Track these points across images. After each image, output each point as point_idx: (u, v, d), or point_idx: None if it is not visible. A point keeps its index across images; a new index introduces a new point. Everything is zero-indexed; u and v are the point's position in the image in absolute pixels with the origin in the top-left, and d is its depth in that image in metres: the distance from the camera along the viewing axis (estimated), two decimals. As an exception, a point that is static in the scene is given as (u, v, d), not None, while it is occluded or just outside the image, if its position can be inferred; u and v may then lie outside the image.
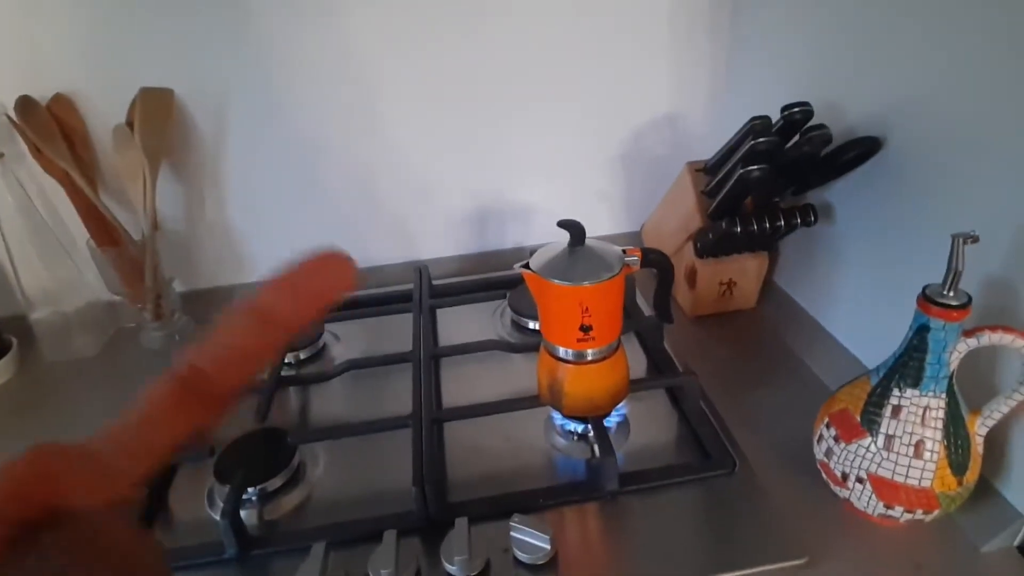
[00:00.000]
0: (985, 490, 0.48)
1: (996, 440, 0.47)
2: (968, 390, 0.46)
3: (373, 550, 0.47)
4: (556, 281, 0.48)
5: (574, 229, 0.50)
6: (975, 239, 0.41)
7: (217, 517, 0.53)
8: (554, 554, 0.47)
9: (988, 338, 0.43)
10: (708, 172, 0.69)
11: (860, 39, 0.58)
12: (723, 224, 0.62)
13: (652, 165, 0.87)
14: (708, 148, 0.75)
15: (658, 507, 0.51)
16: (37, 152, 0.72)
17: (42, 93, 0.71)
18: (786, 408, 0.61)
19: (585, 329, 0.50)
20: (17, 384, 0.75)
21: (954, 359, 0.44)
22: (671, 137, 0.85)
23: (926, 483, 0.45)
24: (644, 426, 0.60)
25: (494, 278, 0.82)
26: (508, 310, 0.76)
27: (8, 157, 0.70)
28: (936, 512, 0.46)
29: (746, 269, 0.71)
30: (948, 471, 0.45)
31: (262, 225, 0.84)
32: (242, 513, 0.51)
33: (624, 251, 0.50)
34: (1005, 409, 0.45)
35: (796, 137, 0.58)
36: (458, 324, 0.76)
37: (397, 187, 0.84)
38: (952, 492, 0.45)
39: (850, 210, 0.62)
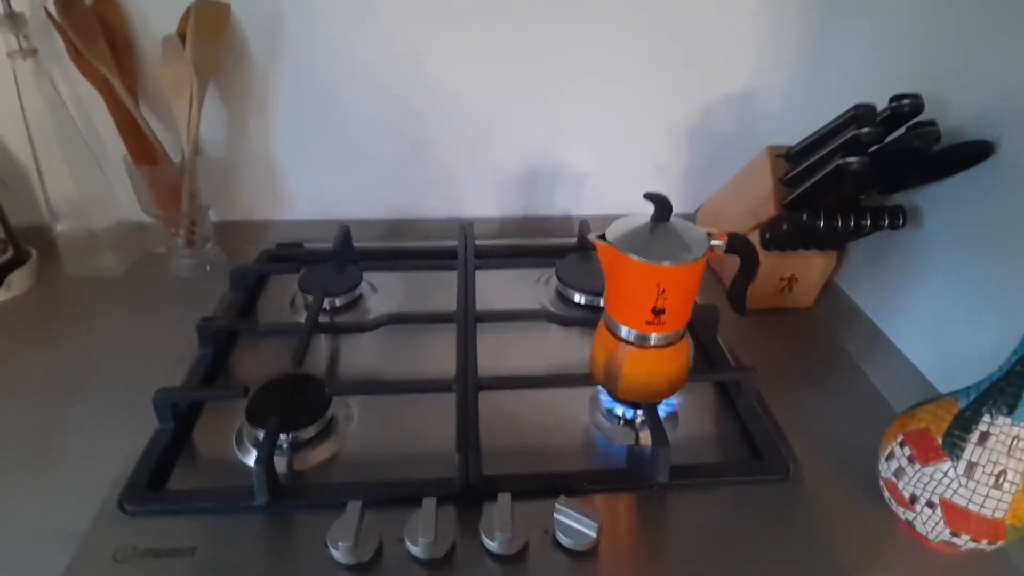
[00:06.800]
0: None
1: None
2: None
3: (407, 514, 0.44)
4: (634, 257, 0.45)
5: (660, 203, 0.46)
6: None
7: (245, 460, 0.51)
8: (597, 542, 0.45)
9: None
10: (790, 159, 0.65)
11: (977, 28, 0.53)
12: (803, 216, 0.58)
13: (718, 144, 0.82)
14: (783, 134, 0.70)
15: (705, 506, 0.49)
16: (76, 54, 0.67)
17: (87, -8, 0.66)
18: (841, 416, 0.58)
19: (657, 312, 0.47)
20: (34, 297, 0.72)
21: (1053, 391, 0.41)
22: (744, 117, 0.80)
23: (999, 514, 0.43)
24: (693, 419, 0.57)
25: (543, 245, 0.78)
26: (554, 280, 0.73)
27: (43, 56, 0.65)
28: (999, 544, 0.44)
29: (811, 266, 0.67)
30: (1023, 505, 0.42)
31: (305, 163, 0.80)
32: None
33: (710, 234, 0.47)
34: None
35: (901, 131, 0.53)
36: (497, 288, 0.73)
37: (447, 139, 0.80)
38: (1020, 525, 0.43)
39: (942, 217, 0.57)
